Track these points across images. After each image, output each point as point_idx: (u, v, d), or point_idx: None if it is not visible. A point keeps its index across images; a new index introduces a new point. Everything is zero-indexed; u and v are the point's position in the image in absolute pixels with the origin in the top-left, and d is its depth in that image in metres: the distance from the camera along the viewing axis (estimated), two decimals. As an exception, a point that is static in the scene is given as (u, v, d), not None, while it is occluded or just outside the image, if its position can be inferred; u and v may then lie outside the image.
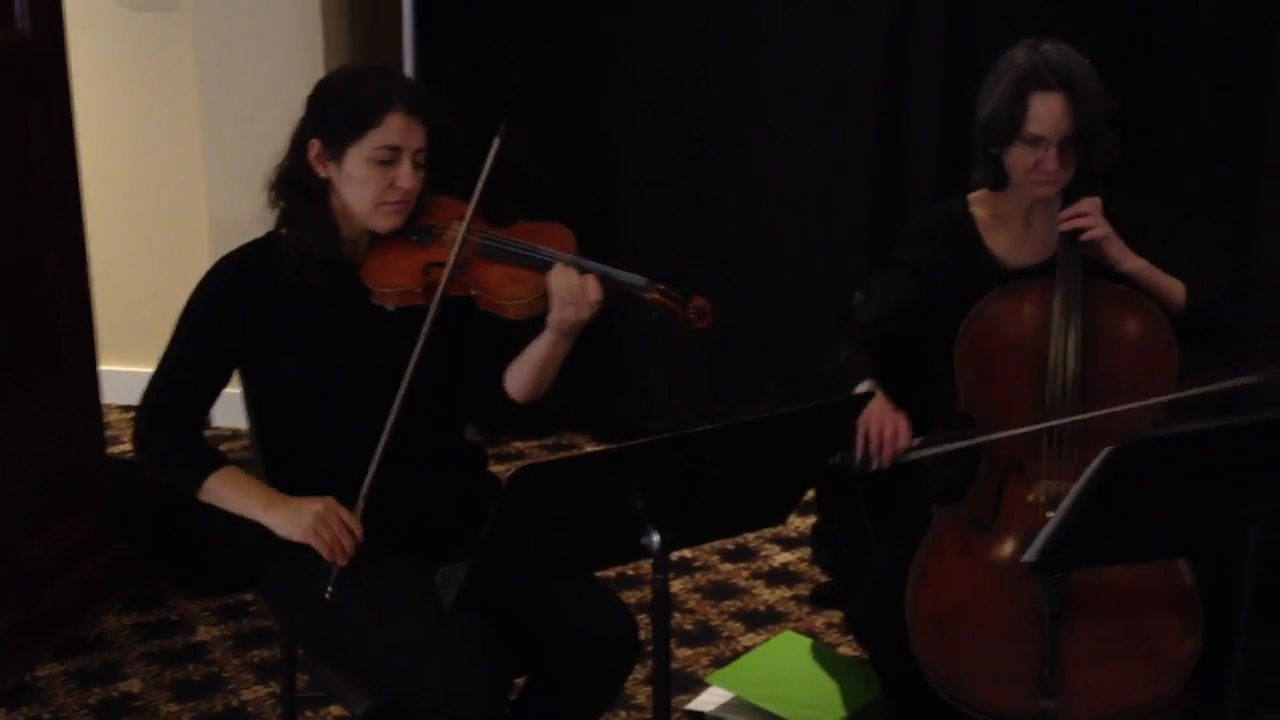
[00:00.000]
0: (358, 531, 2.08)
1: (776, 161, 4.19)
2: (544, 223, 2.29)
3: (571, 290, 2.12)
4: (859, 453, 2.41)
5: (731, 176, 4.24)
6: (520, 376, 2.27)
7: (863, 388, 2.44)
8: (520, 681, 2.25)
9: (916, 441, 2.41)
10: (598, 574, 2.21)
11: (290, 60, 4.09)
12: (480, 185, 2.19)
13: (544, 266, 2.18)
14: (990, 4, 3.89)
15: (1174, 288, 2.47)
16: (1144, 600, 2.33)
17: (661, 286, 2.20)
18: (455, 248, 2.15)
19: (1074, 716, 2.27)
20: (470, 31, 4.27)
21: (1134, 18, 3.79)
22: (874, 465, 2.41)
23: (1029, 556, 1.95)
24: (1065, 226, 2.46)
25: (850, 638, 3.22)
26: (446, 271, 2.14)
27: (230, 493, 2.16)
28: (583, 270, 2.15)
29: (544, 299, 2.17)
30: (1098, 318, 2.44)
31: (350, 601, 2.06)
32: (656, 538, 1.80)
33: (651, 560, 1.83)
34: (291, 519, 2.09)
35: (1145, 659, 2.28)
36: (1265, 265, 3.90)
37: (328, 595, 2.04)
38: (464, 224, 2.17)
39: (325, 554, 2.06)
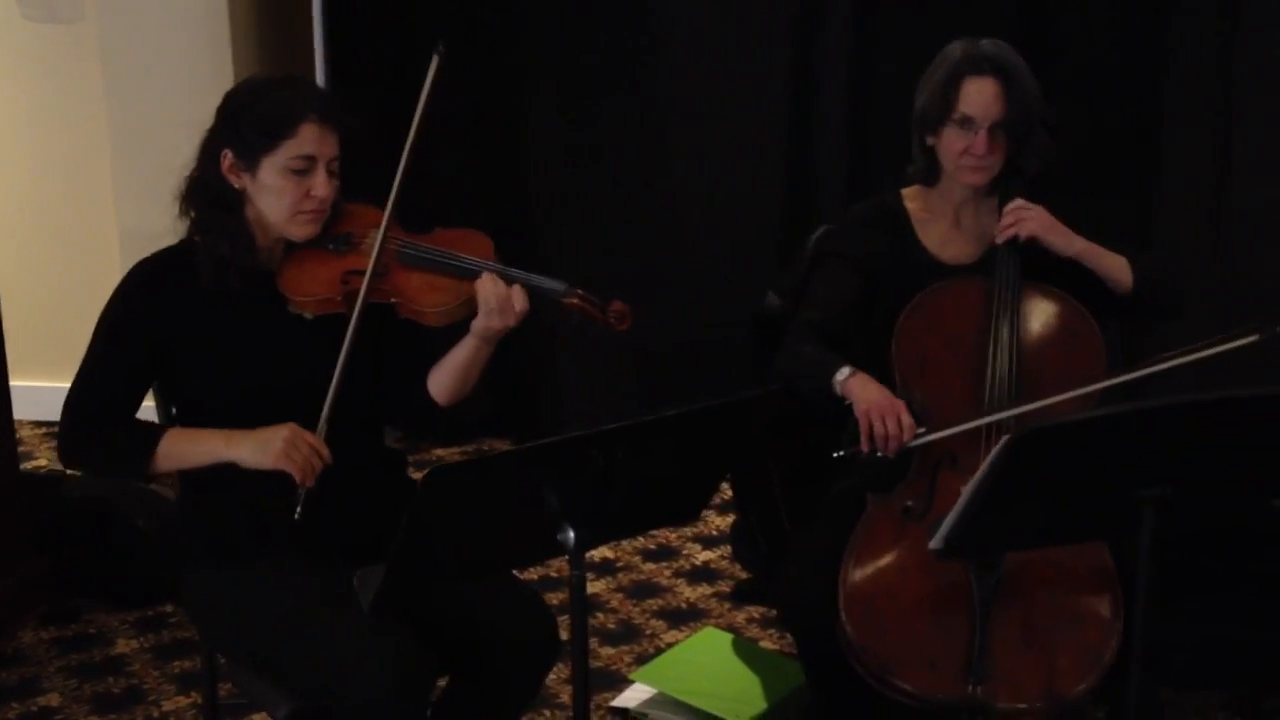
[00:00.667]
0: (324, 453, 2.08)
1: (689, 165, 4.25)
2: (461, 229, 2.31)
3: (499, 299, 2.14)
4: (865, 446, 2.42)
5: (645, 181, 4.29)
6: (443, 380, 2.29)
7: (843, 374, 2.46)
8: (443, 683, 2.28)
9: (920, 430, 2.43)
10: (518, 573, 2.24)
11: (199, 70, 4.07)
12: (392, 197, 2.20)
13: (465, 274, 2.20)
14: (893, 14, 3.98)
15: (1119, 263, 2.54)
16: (1072, 591, 2.38)
17: (580, 291, 2.23)
18: (373, 254, 2.17)
19: (998, 702, 2.30)
20: (381, 40, 4.28)
21: (1030, 19, 3.89)
22: (879, 455, 2.42)
23: (935, 543, 2.01)
24: (1004, 237, 2.52)
25: (771, 632, 3.28)
26: (366, 279, 2.15)
27: (186, 446, 2.13)
28: (507, 279, 2.17)
29: (465, 306, 2.19)
30: (1029, 316, 2.52)
31: (270, 606, 2.07)
32: (572, 535, 1.83)
33: (568, 558, 1.86)
34: (261, 448, 2.08)
35: (1070, 648, 2.33)
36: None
37: (296, 516, 2.05)
38: (381, 229, 2.19)
39: (298, 476, 2.07)
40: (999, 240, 2.54)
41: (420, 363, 2.31)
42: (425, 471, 1.65)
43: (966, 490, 1.92)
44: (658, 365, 4.29)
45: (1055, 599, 2.37)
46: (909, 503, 2.46)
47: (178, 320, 2.17)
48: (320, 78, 4.10)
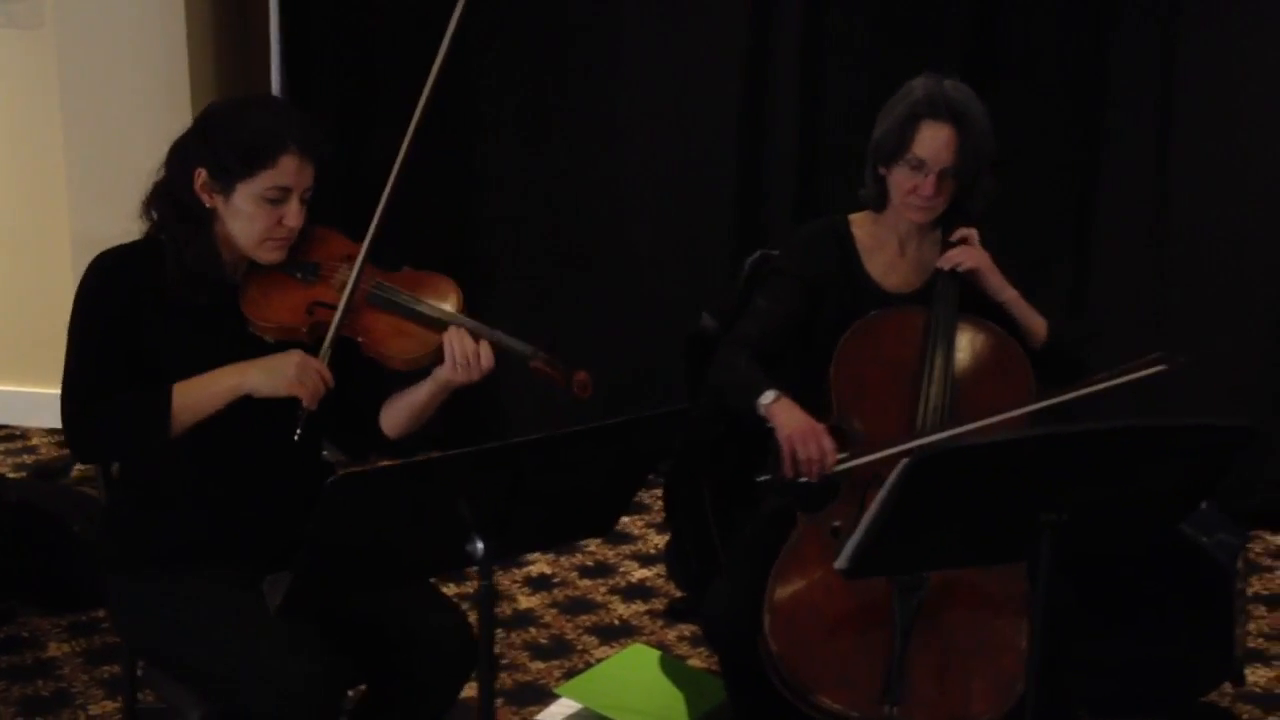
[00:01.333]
0: (328, 377, 2.12)
1: (637, 185, 4.30)
2: (431, 273, 2.31)
3: (467, 356, 2.16)
4: (788, 472, 2.46)
5: (593, 200, 4.34)
6: (397, 418, 2.30)
7: (768, 398, 2.50)
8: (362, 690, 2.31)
9: (842, 456, 2.47)
10: (434, 582, 2.27)
11: (154, 77, 4.09)
12: (366, 243, 2.21)
13: (434, 325, 2.21)
14: (842, 41, 4.05)
15: (1039, 323, 2.63)
16: (989, 615, 2.43)
17: (545, 355, 2.25)
18: (346, 293, 2.17)
19: None
20: (338, 47, 4.31)
21: (975, 43, 3.98)
22: (802, 480, 2.46)
23: (840, 564, 2.05)
24: (947, 266, 2.59)
25: (700, 650, 3.31)
26: (336, 318, 2.16)
27: (199, 392, 2.12)
28: (475, 335, 2.19)
29: (431, 356, 2.20)
30: (965, 348, 2.58)
31: (185, 611, 2.09)
32: (480, 545, 1.86)
33: (478, 568, 1.89)
34: (275, 372, 2.10)
35: (982, 675, 2.37)
36: (1101, 278, 4.10)
37: (296, 436, 2.10)
38: (355, 269, 2.19)
39: (306, 400, 2.10)
40: (943, 266, 2.60)
41: (376, 397, 2.32)
42: (330, 479, 1.68)
43: (869, 511, 1.97)
44: (603, 387, 4.32)
45: (975, 625, 2.42)
46: (837, 523, 2.49)
47: (140, 312, 2.16)
48: (276, 86, 4.13)
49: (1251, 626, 3.47)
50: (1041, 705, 2.05)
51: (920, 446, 2.44)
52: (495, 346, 2.20)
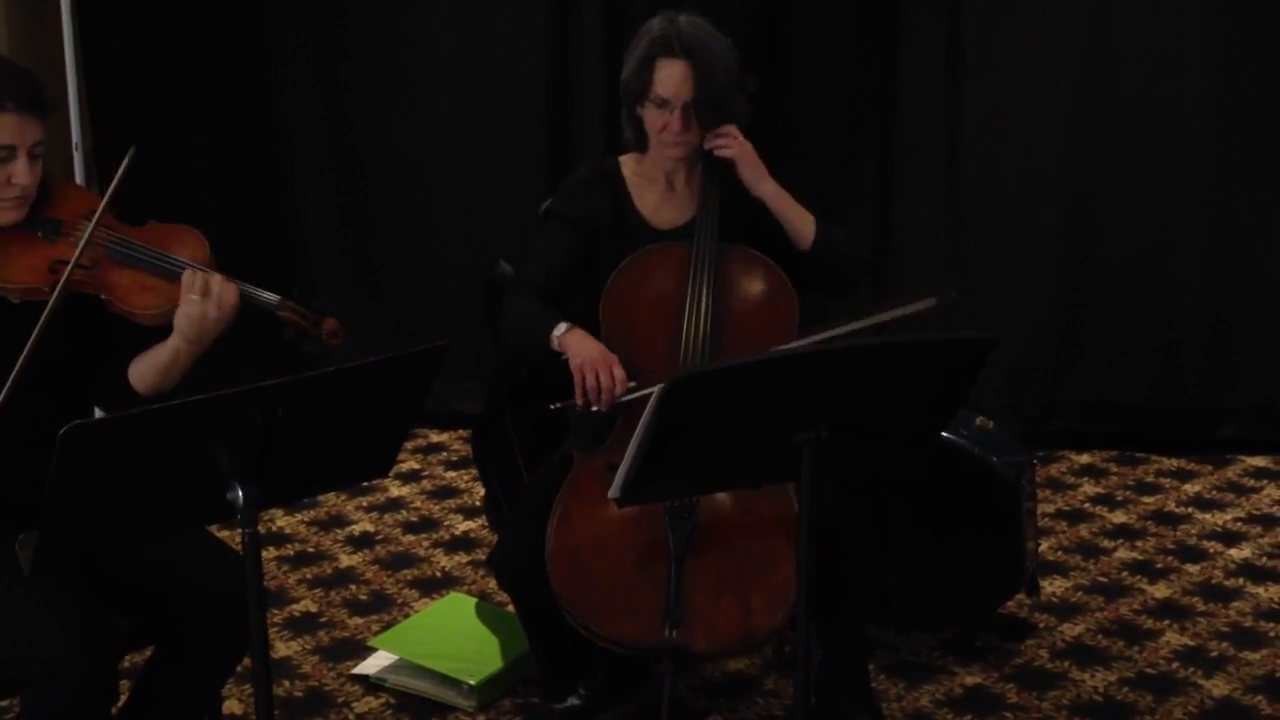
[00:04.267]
0: None
1: (446, 134, 4.29)
2: (177, 225, 2.28)
3: (207, 286, 2.13)
4: (579, 401, 2.49)
5: (399, 149, 4.33)
6: (145, 374, 2.25)
7: (560, 330, 2.53)
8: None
9: (633, 384, 2.50)
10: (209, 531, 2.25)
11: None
12: (107, 197, 2.17)
13: (176, 276, 2.18)
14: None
15: (805, 219, 2.65)
16: (761, 535, 2.50)
17: (292, 304, 2.24)
18: (78, 249, 2.14)
19: (696, 645, 2.42)
20: (132, 13, 4.23)
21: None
22: (594, 409, 2.50)
23: (612, 493, 2.08)
24: (712, 146, 2.62)
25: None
26: (66, 271, 2.12)
27: None
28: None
29: (176, 308, 2.17)
30: (729, 279, 2.62)
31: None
32: (240, 493, 1.85)
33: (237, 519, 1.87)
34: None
35: (760, 590, 2.44)
36: (902, 224, 4.22)
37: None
38: (90, 225, 2.16)
39: None
40: (708, 146, 2.62)
41: (123, 353, 2.27)
42: (63, 428, 1.66)
43: (634, 438, 2.01)
44: (418, 334, 4.34)
45: (747, 545, 2.49)
46: (612, 459, 2.54)
47: None
48: (67, 46, 4.01)
49: (1052, 541, 3.61)
50: (814, 617, 2.12)
51: None
52: (243, 297, 2.18)
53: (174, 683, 2.26)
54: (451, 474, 4.15)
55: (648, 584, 2.43)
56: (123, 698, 2.28)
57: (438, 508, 3.90)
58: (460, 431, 4.35)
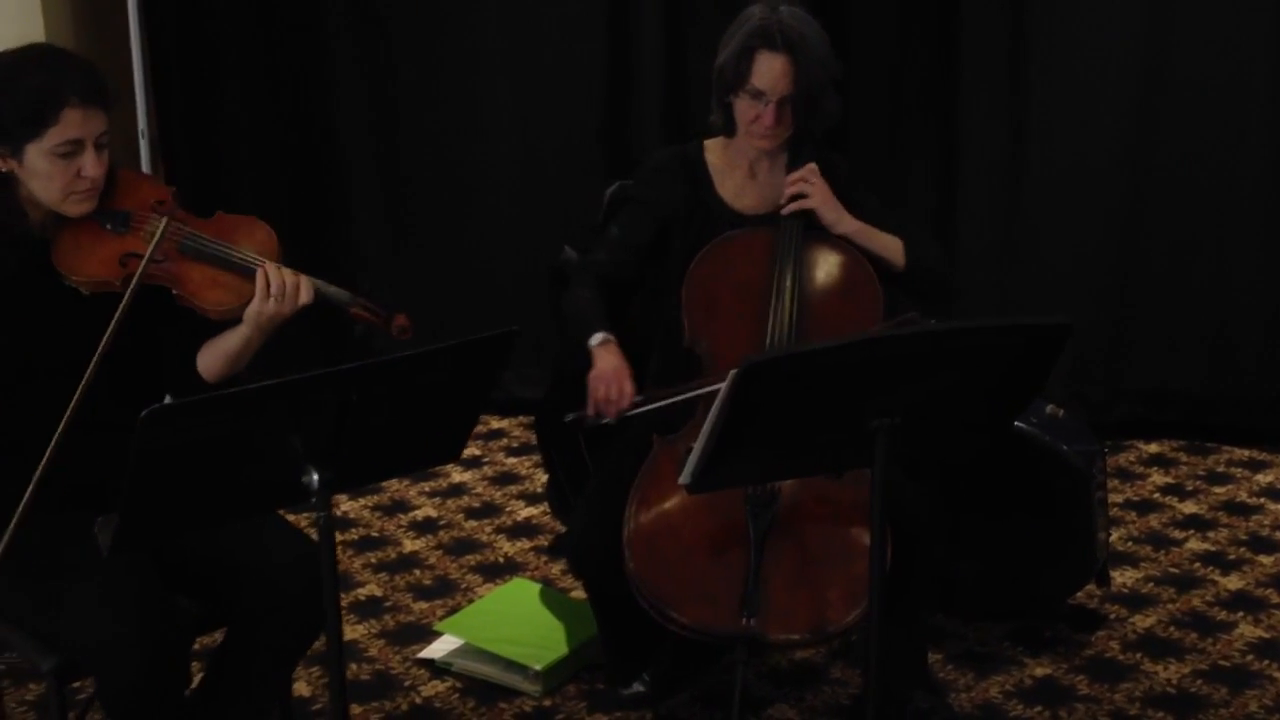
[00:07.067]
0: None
1: (503, 120, 4.29)
2: (244, 217, 2.29)
3: (283, 285, 2.15)
4: (590, 411, 2.52)
5: (457, 136, 4.33)
6: (212, 362, 2.27)
7: (596, 339, 2.55)
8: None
9: (639, 398, 2.53)
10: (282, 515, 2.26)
11: (7, 40, 3.98)
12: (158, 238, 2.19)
13: (248, 272, 2.19)
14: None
15: (891, 246, 2.65)
16: (840, 526, 2.47)
17: (364, 300, 2.25)
18: (152, 245, 2.15)
19: (770, 634, 2.39)
20: (193, 13, 4.26)
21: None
22: (604, 420, 2.53)
23: (683, 479, 2.07)
24: (789, 209, 2.62)
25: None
26: (141, 266, 2.13)
27: None
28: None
29: (245, 304, 2.18)
30: (812, 266, 2.60)
31: (22, 562, 2.07)
32: (315, 476, 1.85)
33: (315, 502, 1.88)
34: None
35: (837, 583, 2.42)
36: (965, 213, 4.17)
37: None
38: (163, 223, 2.17)
39: None
40: (783, 212, 2.63)
41: (192, 342, 2.29)
42: (143, 412, 1.67)
43: (706, 424, 1.99)
44: (476, 321, 4.34)
45: (828, 536, 2.47)
46: (691, 444, 2.52)
47: None
48: (134, 47, 4.05)
49: (1122, 531, 3.56)
50: (886, 606, 2.09)
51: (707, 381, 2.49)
52: (315, 293, 2.20)
53: (244, 665, 2.27)
54: (512, 460, 4.15)
55: (726, 571, 2.40)
56: (196, 679, 2.30)
57: (499, 494, 3.91)
58: (521, 418, 4.35)
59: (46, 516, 2.07)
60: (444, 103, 4.30)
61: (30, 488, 1.97)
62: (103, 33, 4.20)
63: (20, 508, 1.97)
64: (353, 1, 4.25)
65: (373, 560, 3.51)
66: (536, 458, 4.10)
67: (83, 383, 2.03)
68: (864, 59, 3.99)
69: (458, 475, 4.02)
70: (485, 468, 4.09)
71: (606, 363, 2.54)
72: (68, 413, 2.01)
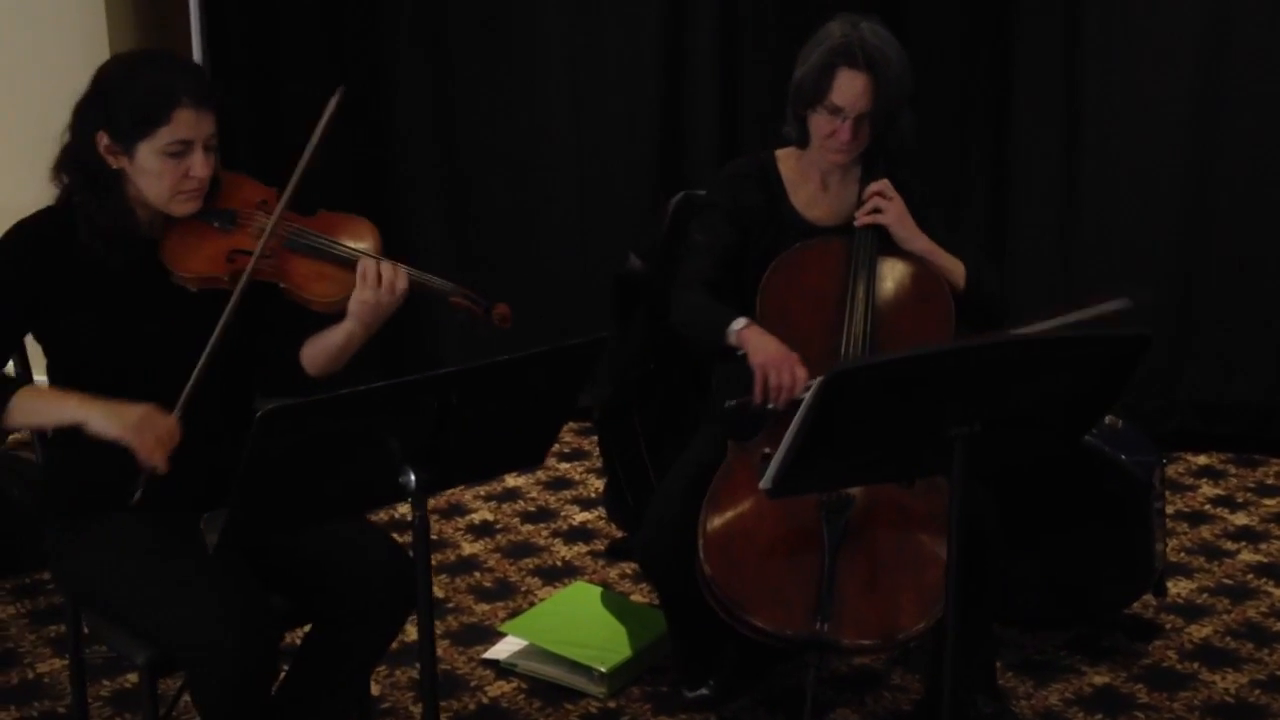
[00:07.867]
0: (173, 436, 2.09)
1: (560, 130, 4.33)
2: (348, 215, 2.34)
3: (379, 276, 2.20)
4: (758, 398, 2.50)
5: (515, 144, 4.38)
6: (316, 357, 2.33)
7: (739, 324, 2.55)
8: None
9: (812, 384, 2.52)
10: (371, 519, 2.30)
11: (71, 40, 4.06)
12: (307, 154, 2.23)
13: (351, 264, 2.23)
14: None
15: (955, 267, 2.68)
16: (913, 532, 2.50)
17: (464, 290, 2.29)
18: (262, 240, 2.20)
19: (843, 639, 2.41)
20: (256, 7, 4.31)
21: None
22: (770, 407, 2.50)
23: (764, 484, 2.11)
24: (861, 222, 2.65)
25: (641, 586, 3.38)
26: (251, 262, 2.18)
27: (40, 403, 2.16)
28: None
29: (350, 296, 2.23)
30: (886, 277, 2.64)
31: (121, 555, 2.12)
32: (413, 478, 1.90)
33: (411, 503, 1.93)
34: (112, 416, 2.08)
35: (910, 589, 2.44)
36: (1019, 227, 4.20)
37: (136, 500, 2.07)
38: (273, 218, 2.22)
39: (144, 455, 2.07)
40: (857, 224, 2.66)
41: (296, 338, 2.34)
42: (261, 411, 1.71)
43: (790, 430, 2.03)
44: (533, 328, 4.38)
45: (901, 542, 2.50)
46: (767, 450, 2.54)
47: (56, 282, 2.19)
48: (196, 48, 4.12)
49: (1174, 542, 3.58)
50: (960, 613, 2.13)
51: None
52: (415, 284, 2.24)
53: (328, 662, 2.31)
54: (565, 465, 4.20)
55: (800, 575, 2.43)
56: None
57: (554, 499, 3.95)
58: (573, 424, 4.40)
59: (147, 513, 2.13)
60: (503, 111, 4.35)
61: (140, 483, 2.02)
62: (165, 35, 4.26)
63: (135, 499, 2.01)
64: (418, 6, 4.29)
65: (433, 562, 3.54)
66: (589, 463, 4.14)
67: (192, 379, 2.08)
68: (916, 59, 4.03)
69: (511, 480, 4.06)
70: (539, 473, 4.13)
71: (771, 345, 2.51)
72: (177, 409, 2.06)
